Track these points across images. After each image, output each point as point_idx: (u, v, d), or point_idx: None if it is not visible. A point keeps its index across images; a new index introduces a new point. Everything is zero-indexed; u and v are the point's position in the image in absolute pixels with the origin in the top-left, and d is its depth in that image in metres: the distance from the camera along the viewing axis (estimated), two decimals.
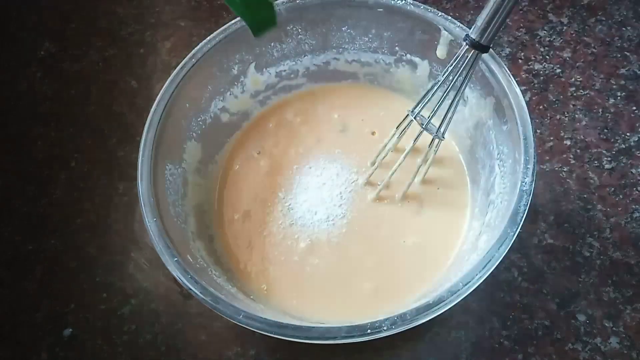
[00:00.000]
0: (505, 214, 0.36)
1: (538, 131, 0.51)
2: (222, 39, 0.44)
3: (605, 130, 0.51)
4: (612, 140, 0.50)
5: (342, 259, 0.42)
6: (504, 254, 0.34)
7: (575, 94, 0.53)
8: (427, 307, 0.33)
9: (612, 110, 0.52)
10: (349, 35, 0.47)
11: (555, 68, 0.54)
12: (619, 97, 0.52)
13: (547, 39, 0.56)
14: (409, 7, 0.43)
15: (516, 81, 0.39)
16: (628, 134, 0.50)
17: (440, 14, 0.43)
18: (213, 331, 0.44)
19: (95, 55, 0.59)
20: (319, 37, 0.47)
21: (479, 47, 0.37)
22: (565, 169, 0.49)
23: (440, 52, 0.44)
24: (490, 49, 0.41)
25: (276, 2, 0.44)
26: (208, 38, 0.43)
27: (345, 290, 0.42)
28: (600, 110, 0.52)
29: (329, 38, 0.47)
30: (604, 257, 0.45)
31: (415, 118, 0.42)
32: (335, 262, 0.42)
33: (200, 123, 0.45)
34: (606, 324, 0.43)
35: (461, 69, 0.38)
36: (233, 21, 0.44)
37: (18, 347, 0.45)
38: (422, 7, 0.43)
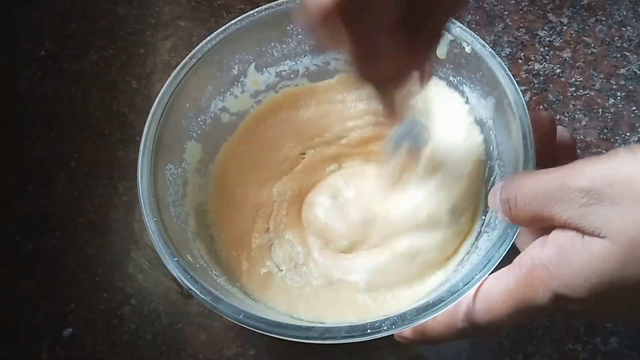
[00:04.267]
0: None
1: None
2: (222, 39, 0.43)
3: (605, 130, 0.51)
4: (612, 140, 0.50)
5: (340, 258, 0.42)
6: (504, 254, 0.34)
7: (575, 94, 0.53)
8: (427, 307, 0.33)
9: (612, 110, 0.52)
10: None
11: (555, 68, 0.54)
12: (619, 97, 0.52)
13: (547, 39, 0.56)
14: None
15: (516, 81, 0.39)
16: (628, 134, 0.50)
17: None
18: (213, 331, 0.44)
19: (95, 55, 0.59)
20: None
21: None
22: None
23: (440, 52, 0.44)
24: (490, 49, 0.41)
25: (277, 2, 0.44)
26: (208, 38, 0.43)
27: (344, 290, 0.41)
28: (600, 110, 0.52)
29: None
30: None
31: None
32: (334, 260, 0.42)
33: (200, 123, 0.45)
34: (606, 324, 0.43)
35: None
36: (233, 21, 0.44)
37: (18, 347, 0.45)
38: None
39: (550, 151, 0.38)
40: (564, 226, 0.28)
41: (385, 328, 0.32)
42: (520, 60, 0.55)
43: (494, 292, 0.31)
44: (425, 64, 0.34)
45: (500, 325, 0.31)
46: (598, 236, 0.27)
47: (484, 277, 0.33)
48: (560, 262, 0.28)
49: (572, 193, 0.28)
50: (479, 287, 0.32)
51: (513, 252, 0.33)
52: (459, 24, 0.42)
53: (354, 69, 0.30)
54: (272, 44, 0.46)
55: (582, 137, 0.50)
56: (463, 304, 0.32)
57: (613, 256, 0.26)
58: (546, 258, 0.28)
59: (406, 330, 0.34)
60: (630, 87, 0.53)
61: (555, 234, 0.29)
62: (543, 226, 0.30)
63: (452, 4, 0.32)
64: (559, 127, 0.38)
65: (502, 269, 0.31)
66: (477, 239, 0.40)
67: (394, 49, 0.30)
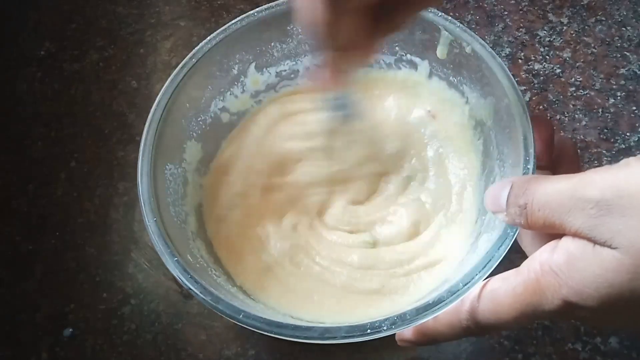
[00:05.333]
0: None
1: None
2: (222, 39, 0.43)
3: (605, 130, 0.51)
4: (612, 140, 0.50)
5: (340, 259, 0.42)
6: (504, 254, 0.34)
7: (575, 94, 0.53)
8: (427, 307, 0.33)
9: (612, 110, 0.52)
10: None
11: (555, 68, 0.54)
12: (619, 97, 0.52)
13: (547, 39, 0.56)
14: None
15: (516, 81, 0.39)
16: (628, 134, 0.50)
17: (440, 14, 0.43)
18: (213, 331, 0.44)
19: (95, 55, 0.59)
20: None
21: None
22: None
23: (440, 52, 0.44)
24: (490, 49, 0.41)
25: (277, 2, 0.44)
26: (208, 38, 0.43)
27: (344, 291, 0.41)
28: (600, 110, 0.52)
29: None
30: None
31: None
32: (333, 262, 0.42)
33: (200, 123, 0.45)
34: None
35: None
36: (233, 21, 0.44)
37: (18, 347, 0.45)
38: None
39: (548, 155, 0.38)
40: (575, 235, 0.28)
41: (385, 328, 0.32)
42: (520, 60, 0.55)
43: (501, 294, 0.30)
44: (379, 44, 0.36)
45: (505, 326, 0.31)
46: (609, 247, 0.27)
47: (484, 277, 0.33)
48: (570, 269, 0.28)
49: (582, 203, 0.27)
50: (484, 286, 0.32)
51: (513, 252, 0.33)
52: (458, 24, 0.42)
53: (314, 32, 0.32)
54: (272, 44, 0.46)
55: (582, 137, 0.50)
56: (466, 303, 0.32)
57: (624, 268, 0.26)
58: (556, 264, 0.28)
59: (407, 332, 0.34)
60: (630, 87, 0.53)
61: (566, 241, 0.29)
62: (554, 232, 0.30)
63: None
64: (561, 135, 0.39)
65: (510, 271, 0.31)
66: (477, 239, 0.40)
67: (360, 21, 0.32)
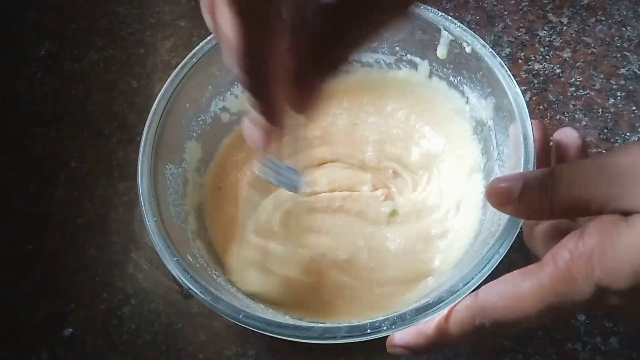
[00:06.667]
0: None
1: None
2: None
3: (605, 130, 0.51)
4: (612, 140, 0.50)
5: (339, 262, 0.42)
6: (504, 254, 0.34)
7: (575, 94, 0.53)
8: (427, 307, 0.33)
9: (612, 110, 0.52)
10: None
11: (555, 68, 0.54)
12: (619, 97, 0.52)
13: (547, 39, 0.56)
14: None
15: (516, 81, 0.39)
16: (628, 134, 0.50)
17: (440, 14, 0.43)
18: (213, 331, 0.44)
19: (95, 55, 0.59)
20: None
21: None
22: None
23: (441, 52, 0.44)
24: (491, 49, 0.41)
25: None
26: (208, 38, 0.43)
27: (344, 292, 0.41)
28: (600, 110, 0.52)
29: None
30: None
31: None
32: (332, 263, 0.42)
33: (201, 123, 0.45)
34: (606, 324, 0.43)
35: None
36: None
37: (18, 347, 0.45)
38: (422, 7, 0.43)
39: (545, 156, 0.38)
40: (602, 210, 0.28)
41: (385, 328, 0.32)
42: (520, 60, 0.55)
43: (524, 288, 0.29)
44: (314, 93, 0.29)
45: (526, 323, 0.29)
46: (637, 212, 0.27)
47: (484, 277, 0.33)
48: (603, 248, 0.27)
49: (607, 174, 0.28)
50: (498, 283, 0.30)
51: (513, 252, 0.33)
52: (459, 24, 0.42)
53: (231, 62, 0.25)
54: None
55: None
56: (479, 301, 0.31)
57: None
58: (588, 247, 0.27)
59: (406, 337, 0.33)
60: (630, 87, 0.53)
61: (595, 221, 0.28)
62: (577, 215, 0.30)
63: (364, 34, 0.27)
64: (568, 129, 0.38)
65: (532, 265, 0.30)
66: (476, 238, 0.40)
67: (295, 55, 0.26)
